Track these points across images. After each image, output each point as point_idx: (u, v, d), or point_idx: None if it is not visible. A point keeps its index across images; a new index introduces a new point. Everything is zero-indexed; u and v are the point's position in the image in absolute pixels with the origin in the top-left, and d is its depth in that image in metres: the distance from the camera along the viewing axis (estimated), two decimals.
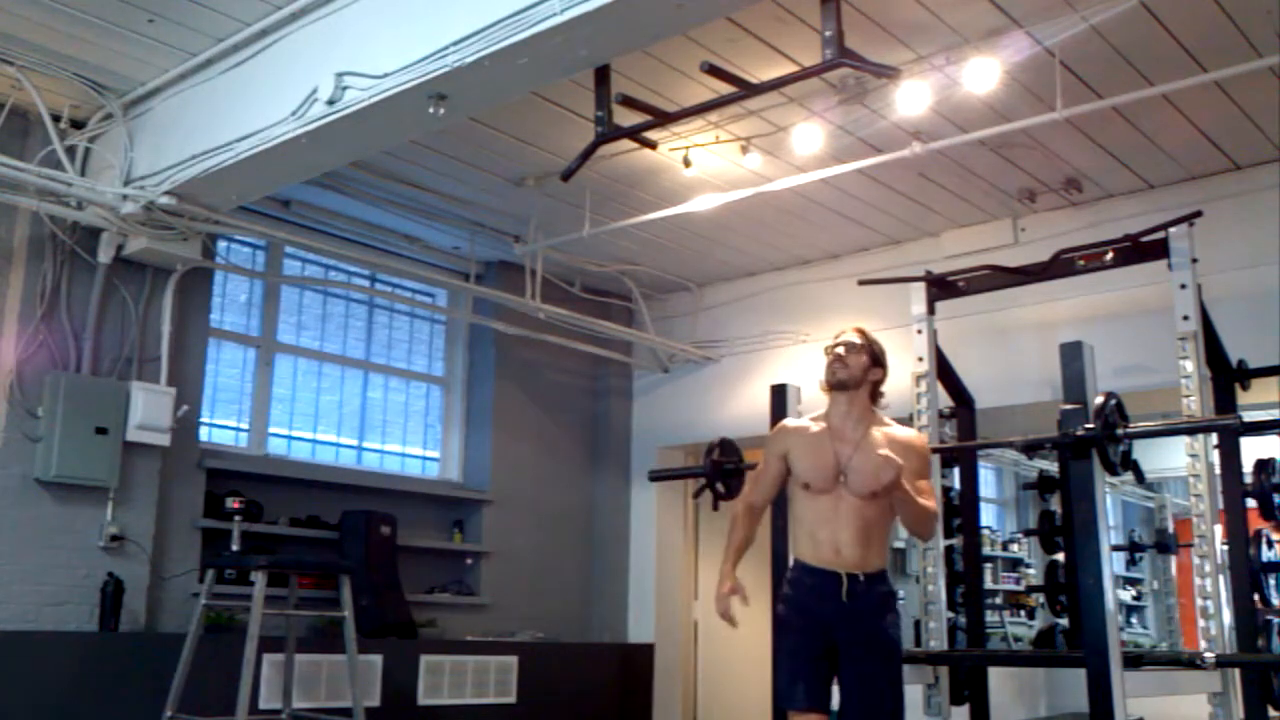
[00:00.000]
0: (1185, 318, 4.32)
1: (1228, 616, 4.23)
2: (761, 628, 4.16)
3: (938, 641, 4.79)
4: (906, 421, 5.34)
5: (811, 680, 3.29)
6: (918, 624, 4.93)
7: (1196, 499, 4.27)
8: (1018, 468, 9.32)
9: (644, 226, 5.81)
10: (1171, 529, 9.98)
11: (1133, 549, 9.79)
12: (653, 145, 4.24)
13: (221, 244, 5.58)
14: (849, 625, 3.29)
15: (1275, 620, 4.39)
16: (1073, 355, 3.67)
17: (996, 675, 5.12)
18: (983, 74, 4.29)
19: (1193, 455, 4.29)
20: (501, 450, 6.73)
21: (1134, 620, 10.18)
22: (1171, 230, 4.44)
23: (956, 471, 5.45)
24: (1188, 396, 4.26)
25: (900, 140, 4.85)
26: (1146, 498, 10.21)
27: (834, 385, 3.42)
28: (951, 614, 5.01)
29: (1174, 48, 4.19)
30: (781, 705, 3.37)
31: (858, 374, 3.39)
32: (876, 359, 3.44)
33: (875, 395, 3.46)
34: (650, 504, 7.18)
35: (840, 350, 3.43)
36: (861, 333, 3.48)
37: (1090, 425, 3.53)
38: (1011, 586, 8.92)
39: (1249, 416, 4.45)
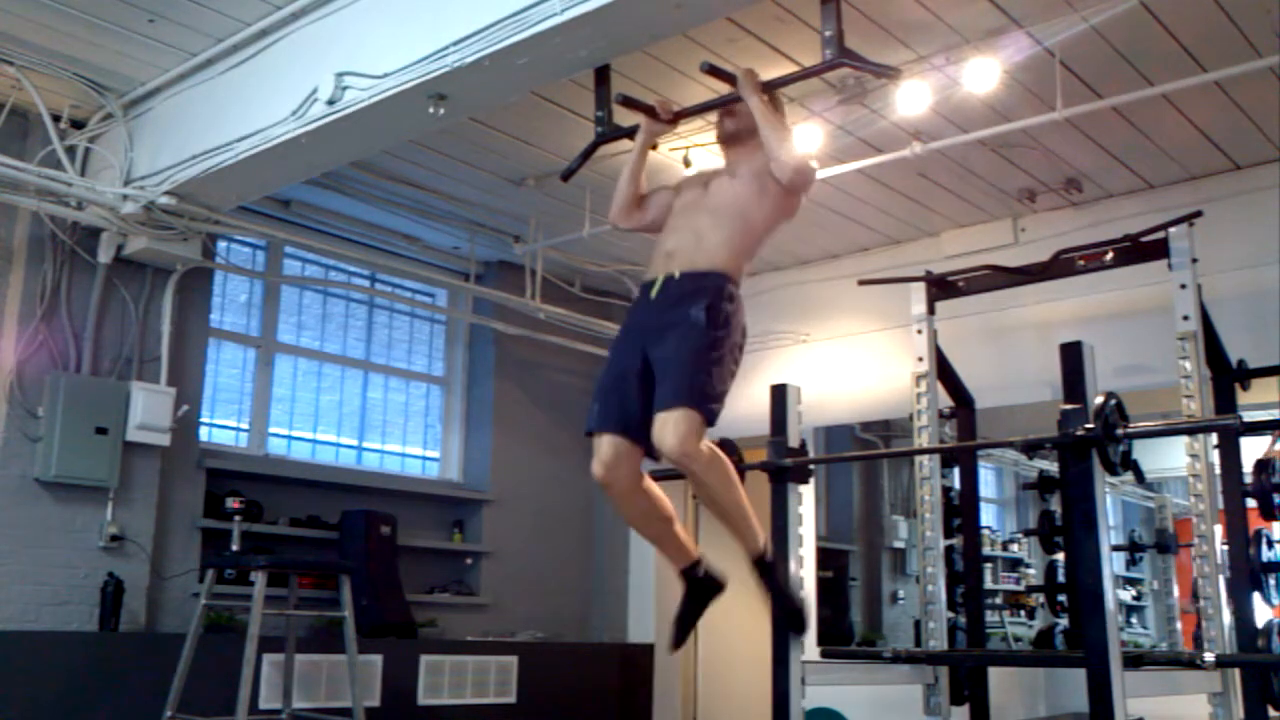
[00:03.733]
0: (1185, 318, 4.32)
1: (1227, 616, 4.24)
2: (762, 628, 4.16)
3: (938, 641, 4.79)
4: (906, 422, 5.36)
5: (608, 401, 2.99)
6: (918, 624, 4.93)
7: (1196, 499, 4.28)
8: (1018, 468, 9.30)
9: None
10: (1171, 529, 9.97)
11: (1133, 549, 9.78)
12: (653, 145, 4.23)
13: (221, 244, 5.58)
14: (655, 323, 2.98)
15: (1275, 620, 4.40)
16: (1073, 355, 3.67)
17: (996, 675, 5.12)
18: (983, 74, 4.29)
19: (1193, 455, 4.30)
20: (501, 450, 6.73)
21: (1134, 620, 10.17)
22: (1171, 230, 4.45)
23: (956, 471, 5.46)
24: (1188, 396, 4.26)
25: (900, 140, 4.85)
26: (1146, 498, 10.19)
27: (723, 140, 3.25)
28: (951, 614, 5.01)
29: (1174, 48, 4.19)
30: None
31: (747, 122, 3.14)
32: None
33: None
34: None
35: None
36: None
37: (1090, 425, 3.52)
38: (1011, 586, 8.91)
39: (1249, 416, 4.45)
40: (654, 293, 3.03)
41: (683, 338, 2.89)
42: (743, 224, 3.09)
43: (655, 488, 3.13)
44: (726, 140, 3.30)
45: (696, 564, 3.20)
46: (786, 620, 3.05)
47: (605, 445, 2.97)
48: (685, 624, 3.23)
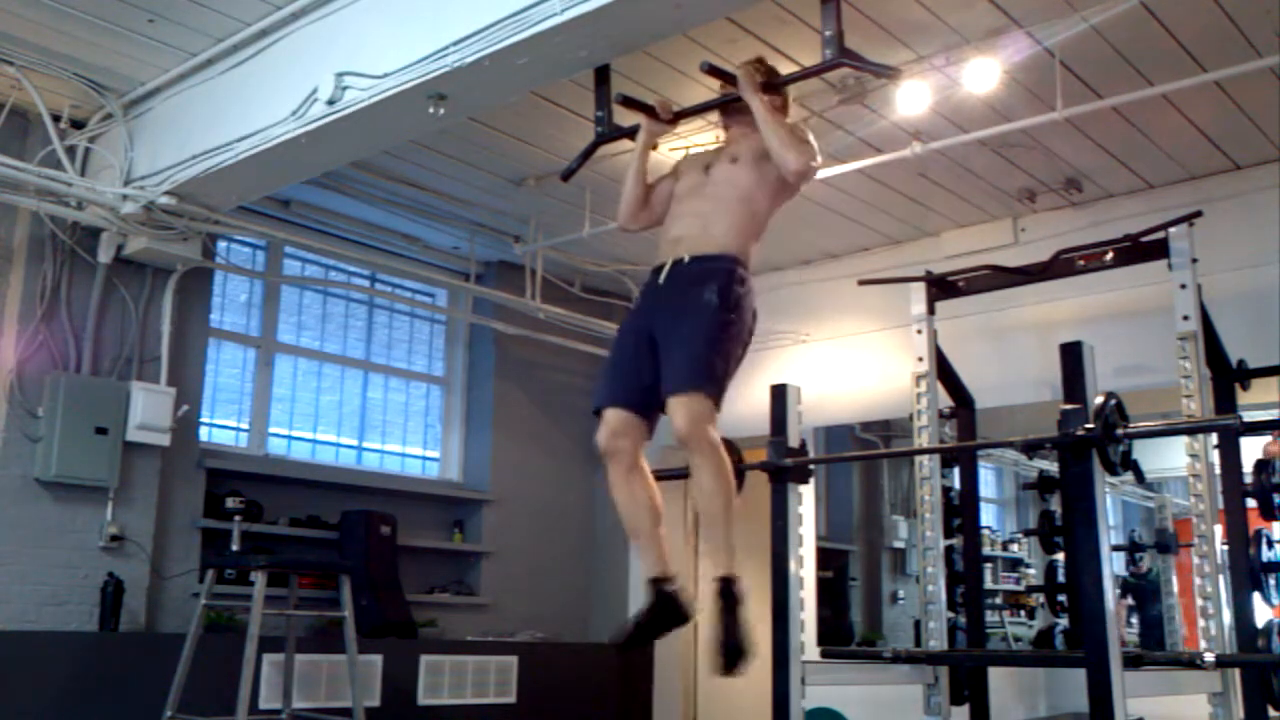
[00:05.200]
0: (1185, 318, 4.32)
1: (1228, 616, 4.24)
2: (762, 628, 4.16)
3: (938, 641, 4.79)
4: (906, 422, 5.36)
5: (615, 378, 3.02)
6: (918, 624, 4.93)
7: (1196, 499, 4.27)
8: (1018, 468, 9.31)
9: None
10: (1171, 529, 9.97)
11: (1133, 549, 9.79)
12: (654, 145, 4.23)
13: (221, 244, 5.58)
14: (665, 305, 2.98)
15: (1275, 620, 4.40)
16: (1073, 355, 3.67)
17: (996, 675, 5.12)
18: (983, 74, 4.29)
19: (1193, 455, 4.29)
20: (501, 450, 6.73)
21: (1134, 620, 10.17)
22: (1171, 230, 4.44)
23: (956, 471, 5.45)
24: (1188, 396, 4.26)
25: (900, 140, 4.85)
26: (1146, 498, 10.20)
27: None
28: (951, 614, 5.01)
29: (1174, 48, 4.19)
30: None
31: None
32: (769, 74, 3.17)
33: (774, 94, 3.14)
34: None
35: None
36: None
37: (1090, 425, 3.52)
38: (1011, 586, 8.91)
39: (1249, 416, 4.45)
40: (663, 276, 3.04)
41: (695, 320, 2.90)
42: (747, 208, 3.09)
43: (652, 480, 3.12)
44: (724, 116, 3.32)
45: (668, 580, 3.12)
46: (725, 653, 2.93)
47: (612, 415, 2.99)
48: (642, 635, 3.13)
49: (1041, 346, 5.36)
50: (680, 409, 2.81)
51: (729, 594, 2.97)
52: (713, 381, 2.85)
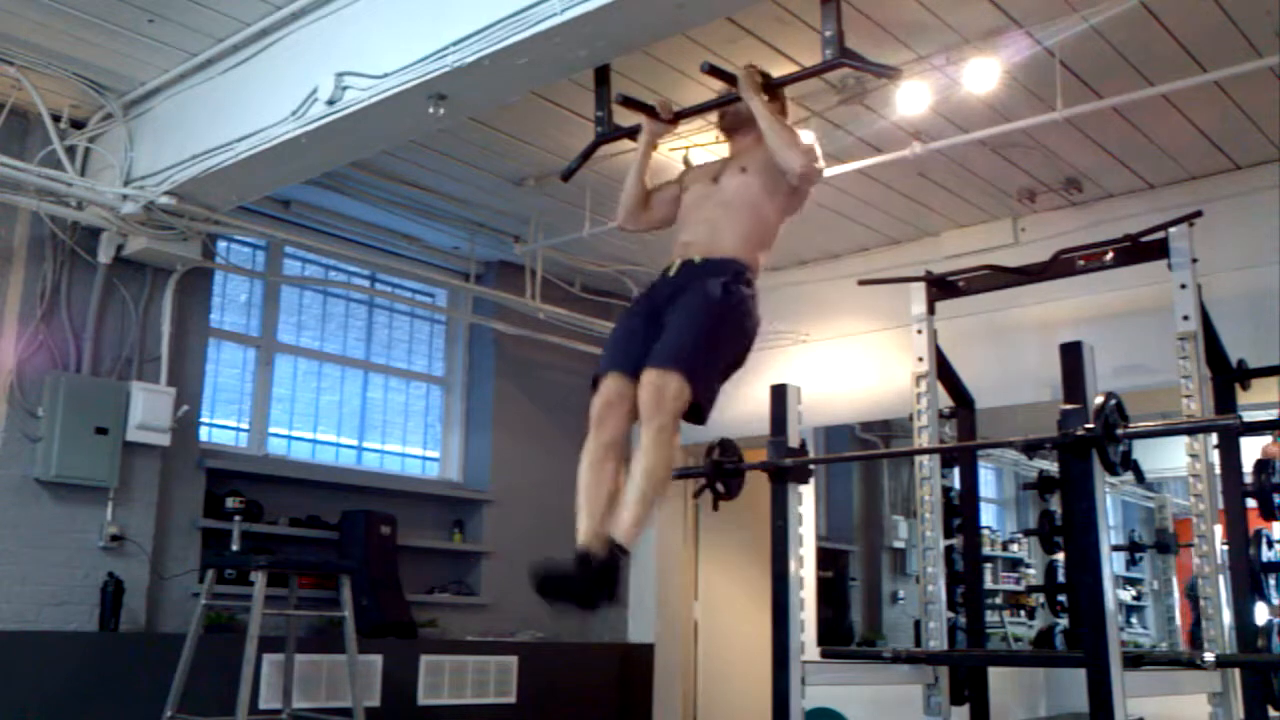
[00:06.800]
0: (1185, 318, 4.32)
1: (1227, 616, 4.24)
2: (762, 628, 4.16)
3: (938, 641, 4.79)
4: (906, 422, 5.36)
5: (615, 349, 3.02)
6: (918, 624, 4.93)
7: (1196, 499, 4.27)
8: (1018, 468, 9.31)
9: None
10: (1171, 529, 9.97)
11: (1133, 549, 9.79)
12: (654, 145, 4.23)
13: (221, 244, 5.58)
14: (670, 292, 3.02)
15: (1275, 620, 4.40)
16: (1073, 355, 3.66)
17: (996, 675, 5.12)
18: (983, 74, 4.29)
19: (1193, 455, 4.29)
20: (501, 450, 6.73)
21: (1134, 620, 10.17)
22: (1171, 230, 4.44)
23: (956, 471, 5.45)
24: (1188, 396, 4.26)
25: (900, 140, 4.85)
26: (1146, 498, 10.20)
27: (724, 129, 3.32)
28: (951, 614, 5.01)
29: (1174, 48, 4.19)
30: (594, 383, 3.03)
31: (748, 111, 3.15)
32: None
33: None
34: None
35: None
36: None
37: (1090, 425, 3.52)
38: (1011, 586, 8.91)
39: (1249, 416, 4.45)
40: (673, 271, 3.07)
41: (694, 307, 2.92)
42: (756, 217, 3.13)
43: (622, 471, 2.95)
44: (729, 130, 3.34)
45: (594, 553, 2.86)
46: (545, 579, 2.78)
47: (609, 381, 2.97)
48: (558, 586, 2.87)
49: (1041, 346, 5.36)
50: (650, 382, 2.78)
51: (611, 556, 2.79)
52: (694, 368, 2.81)
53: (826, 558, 7.03)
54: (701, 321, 2.90)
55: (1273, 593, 4.47)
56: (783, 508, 4.29)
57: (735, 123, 3.30)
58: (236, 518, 5.24)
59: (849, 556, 7.62)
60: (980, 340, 5.70)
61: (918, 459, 5.07)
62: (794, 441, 4.34)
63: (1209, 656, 4.00)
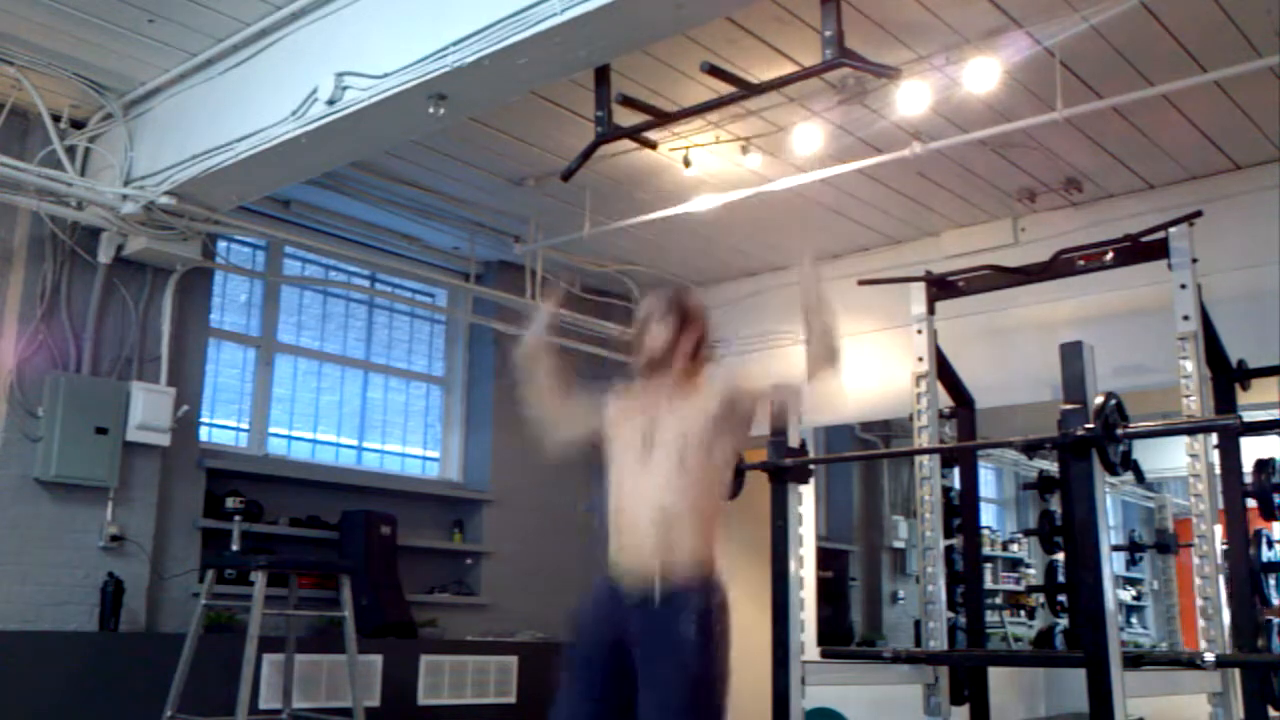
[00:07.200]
0: (1185, 318, 4.32)
1: (1227, 616, 4.24)
2: (761, 628, 4.16)
3: (938, 641, 4.79)
4: (906, 422, 5.36)
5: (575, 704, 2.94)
6: (918, 624, 4.93)
7: (1196, 499, 4.27)
8: (1018, 468, 9.31)
9: (644, 226, 5.80)
10: (1171, 529, 9.97)
11: (1133, 549, 9.79)
12: (653, 145, 4.24)
13: (221, 244, 5.58)
14: (634, 629, 2.84)
15: (1275, 620, 4.39)
16: (1073, 355, 3.66)
17: (996, 675, 5.12)
18: (983, 74, 4.29)
19: (1193, 455, 4.29)
20: (501, 450, 6.73)
21: (1134, 620, 10.17)
22: (1171, 230, 4.44)
23: (956, 471, 5.45)
24: (1188, 396, 4.26)
25: (900, 140, 4.85)
26: (1146, 498, 10.20)
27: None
28: (951, 614, 5.01)
29: (1174, 48, 4.19)
30: None
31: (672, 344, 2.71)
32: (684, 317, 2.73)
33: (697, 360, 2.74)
34: None
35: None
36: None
37: (1090, 425, 3.52)
38: (1011, 586, 8.91)
39: (1249, 416, 4.45)
40: (625, 597, 2.68)
41: (671, 668, 2.64)
42: (709, 497, 2.69)
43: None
44: (649, 368, 2.78)
45: None
46: None
47: None
48: None
49: (1041, 346, 5.35)
50: None
51: None
52: None
53: (826, 558, 7.03)
54: (685, 683, 2.69)
55: (1272, 593, 4.46)
56: (783, 508, 4.29)
57: (657, 359, 2.75)
58: (236, 518, 5.24)
59: (849, 556, 7.63)
60: (980, 340, 5.70)
61: (918, 459, 5.07)
62: (794, 441, 4.34)
63: (1209, 656, 3.99)
